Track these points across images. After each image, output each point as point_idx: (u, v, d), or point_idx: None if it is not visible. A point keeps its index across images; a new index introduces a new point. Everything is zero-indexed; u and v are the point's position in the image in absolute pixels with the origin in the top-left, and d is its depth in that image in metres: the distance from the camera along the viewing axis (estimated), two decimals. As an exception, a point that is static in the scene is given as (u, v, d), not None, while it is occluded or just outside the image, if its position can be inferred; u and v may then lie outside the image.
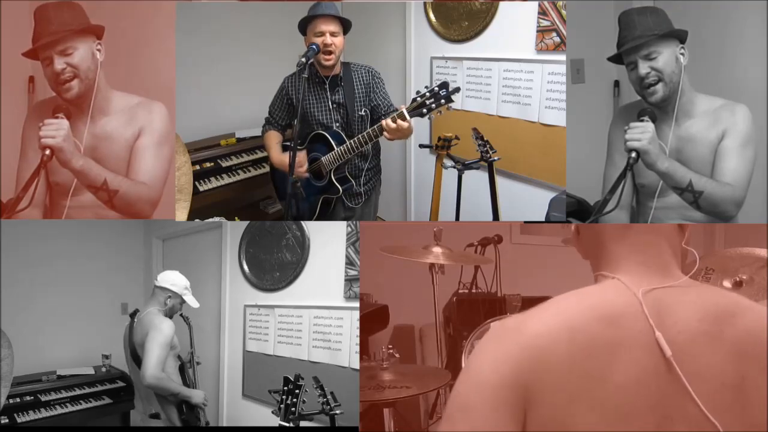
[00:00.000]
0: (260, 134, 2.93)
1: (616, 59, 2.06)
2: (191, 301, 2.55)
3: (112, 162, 2.02)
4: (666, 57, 1.97)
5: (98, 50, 2.02)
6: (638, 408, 0.80)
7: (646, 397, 0.81)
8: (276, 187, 2.91)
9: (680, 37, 2.00)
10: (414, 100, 2.18)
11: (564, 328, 0.83)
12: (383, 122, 2.23)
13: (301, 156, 2.57)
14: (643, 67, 1.97)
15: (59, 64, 1.93)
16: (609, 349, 0.82)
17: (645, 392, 0.81)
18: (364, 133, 2.36)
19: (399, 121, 2.19)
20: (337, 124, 2.61)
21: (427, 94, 2.15)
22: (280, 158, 2.68)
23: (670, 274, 0.92)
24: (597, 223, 1.03)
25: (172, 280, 2.53)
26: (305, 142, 2.64)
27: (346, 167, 2.62)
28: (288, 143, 2.74)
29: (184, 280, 2.57)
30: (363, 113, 2.61)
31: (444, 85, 2.14)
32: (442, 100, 2.14)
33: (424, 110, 2.16)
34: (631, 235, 0.94)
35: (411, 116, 2.18)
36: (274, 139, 2.77)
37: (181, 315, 2.77)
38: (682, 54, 2.00)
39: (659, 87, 1.98)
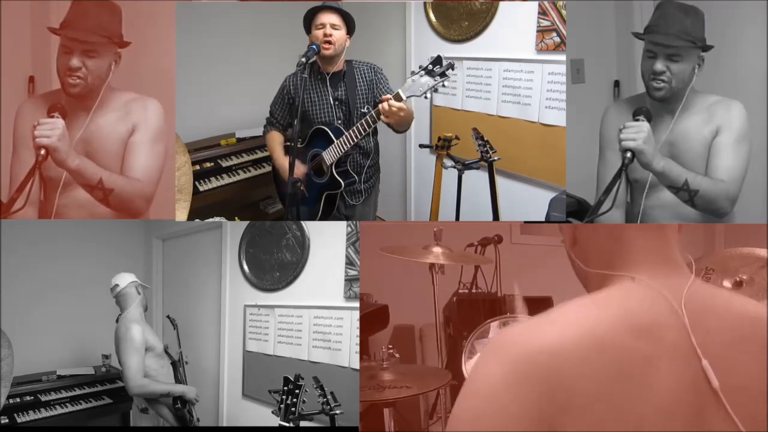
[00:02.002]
0: (261, 134, 2.93)
1: (639, 36, 2.05)
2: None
3: (105, 157, 2.02)
4: (685, 63, 1.98)
5: (116, 61, 2.04)
6: (679, 424, 0.74)
7: (687, 413, 0.74)
8: (278, 188, 2.91)
9: (705, 48, 2.01)
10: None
11: (589, 342, 0.73)
12: (380, 106, 2.21)
13: (300, 169, 2.57)
14: (661, 64, 1.96)
15: (77, 61, 1.94)
16: (643, 363, 0.73)
17: (686, 408, 0.74)
18: (362, 120, 2.34)
19: (394, 102, 2.16)
20: (339, 122, 2.61)
21: (422, 72, 2.13)
22: (283, 164, 2.66)
23: (684, 276, 0.84)
24: (600, 224, 1.01)
25: (127, 276, 2.60)
26: (306, 140, 2.64)
27: (347, 162, 2.61)
28: (289, 143, 2.74)
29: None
30: (365, 110, 2.60)
31: (437, 60, 2.12)
32: (438, 77, 2.12)
33: (420, 89, 2.14)
34: (649, 236, 0.87)
35: (407, 96, 2.16)
36: (276, 140, 2.77)
37: (168, 317, 2.80)
38: (699, 65, 2.01)
39: (666, 87, 1.98)
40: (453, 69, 2.13)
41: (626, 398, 0.71)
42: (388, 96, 2.19)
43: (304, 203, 2.58)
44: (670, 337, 0.76)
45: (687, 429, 0.73)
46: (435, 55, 2.13)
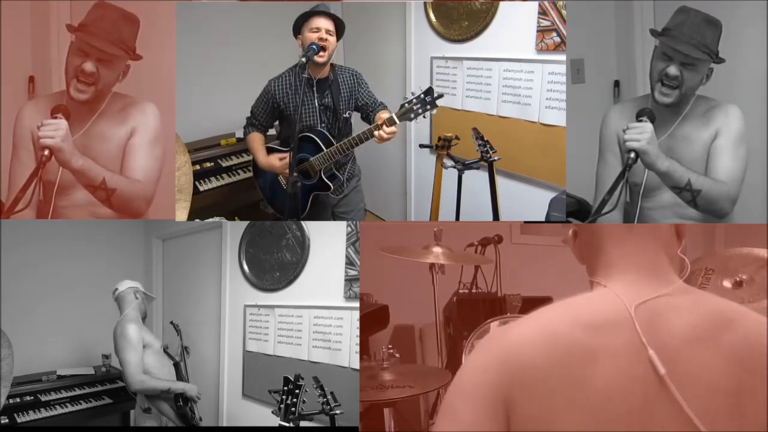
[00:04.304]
0: (242, 136, 2.93)
1: (656, 33, 2.05)
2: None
3: (104, 160, 2.02)
4: (697, 72, 1.99)
5: (124, 72, 2.05)
6: (622, 412, 0.81)
7: (630, 403, 0.81)
8: (262, 190, 2.90)
9: (718, 61, 2.02)
10: (402, 106, 2.31)
11: (544, 335, 0.85)
12: (376, 133, 2.32)
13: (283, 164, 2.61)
14: (675, 69, 1.97)
15: (91, 66, 1.94)
16: (589, 354, 0.83)
17: (629, 398, 0.81)
18: (355, 136, 2.42)
19: (388, 128, 2.31)
20: (323, 125, 2.63)
21: (414, 100, 2.30)
22: (268, 160, 2.69)
23: (665, 280, 0.91)
24: (595, 224, 1.03)
25: (129, 282, 2.68)
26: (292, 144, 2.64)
27: (333, 165, 2.64)
28: (274, 146, 2.76)
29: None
30: (347, 115, 2.66)
31: (429, 91, 2.29)
32: (428, 106, 2.30)
33: (412, 115, 2.31)
34: (627, 240, 0.94)
35: (400, 121, 2.31)
36: (258, 140, 2.77)
37: (171, 323, 2.82)
38: (708, 75, 2.03)
39: (675, 93, 2.00)
40: (441, 98, 2.31)
41: (573, 378, 0.82)
42: (383, 118, 2.31)
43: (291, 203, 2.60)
44: (621, 335, 0.84)
45: (631, 415, 0.81)
46: (427, 87, 2.31)
